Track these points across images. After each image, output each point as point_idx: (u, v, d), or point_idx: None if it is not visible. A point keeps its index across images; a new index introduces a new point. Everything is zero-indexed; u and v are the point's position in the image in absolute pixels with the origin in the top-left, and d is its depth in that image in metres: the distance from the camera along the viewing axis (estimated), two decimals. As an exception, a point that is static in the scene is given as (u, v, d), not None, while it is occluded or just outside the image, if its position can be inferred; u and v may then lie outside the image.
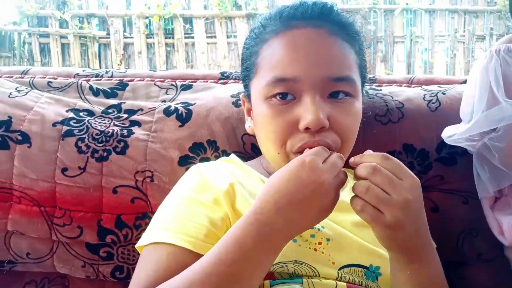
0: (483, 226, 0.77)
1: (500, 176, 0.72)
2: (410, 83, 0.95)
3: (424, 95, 0.88)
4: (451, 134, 0.76)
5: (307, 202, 0.50)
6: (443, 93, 0.88)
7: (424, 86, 0.92)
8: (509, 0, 0.82)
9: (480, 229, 0.79)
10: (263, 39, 0.65)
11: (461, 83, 0.91)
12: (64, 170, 0.79)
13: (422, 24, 4.71)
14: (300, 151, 0.59)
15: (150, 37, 4.53)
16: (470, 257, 0.81)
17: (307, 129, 0.59)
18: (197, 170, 0.69)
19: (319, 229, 0.61)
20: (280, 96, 0.61)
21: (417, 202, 0.52)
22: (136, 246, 0.63)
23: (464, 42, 4.69)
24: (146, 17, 4.50)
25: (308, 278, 0.57)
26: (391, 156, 0.53)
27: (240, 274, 0.50)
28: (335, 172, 0.52)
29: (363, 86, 0.70)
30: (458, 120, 0.79)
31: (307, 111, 0.58)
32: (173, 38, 4.53)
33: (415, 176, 0.53)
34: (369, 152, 0.56)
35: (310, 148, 0.57)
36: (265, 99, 0.62)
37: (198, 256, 0.55)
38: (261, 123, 0.64)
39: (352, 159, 0.55)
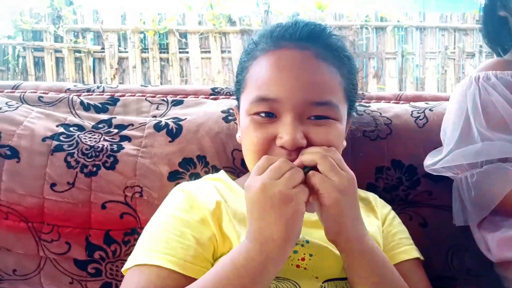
0: (472, 242, 0.77)
1: (467, 214, 0.73)
2: (398, 99, 0.97)
3: (412, 111, 0.89)
4: (432, 163, 0.77)
5: (268, 215, 0.52)
6: (431, 110, 0.89)
7: (412, 103, 0.94)
8: (481, 26, 0.83)
9: (469, 245, 0.79)
10: (254, 56, 0.66)
11: (448, 100, 0.93)
12: (52, 185, 0.78)
13: (413, 41, 4.80)
14: None
15: (145, 52, 4.56)
16: (460, 272, 0.81)
17: (283, 147, 0.60)
18: (184, 188, 0.68)
19: (302, 245, 0.62)
20: (262, 114, 0.62)
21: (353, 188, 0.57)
22: (122, 270, 0.61)
23: (454, 59, 4.77)
24: (141, 32, 4.53)
25: None
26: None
27: None
28: (290, 184, 0.53)
29: (351, 109, 0.70)
30: (445, 137, 0.80)
31: (285, 131, 0.59)
32: (167, 53, 4.56)
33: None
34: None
35: None
36: (249, 114, 0.64)
37: (184, 277, 0.55)
38: (244, 135, 0.65)
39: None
